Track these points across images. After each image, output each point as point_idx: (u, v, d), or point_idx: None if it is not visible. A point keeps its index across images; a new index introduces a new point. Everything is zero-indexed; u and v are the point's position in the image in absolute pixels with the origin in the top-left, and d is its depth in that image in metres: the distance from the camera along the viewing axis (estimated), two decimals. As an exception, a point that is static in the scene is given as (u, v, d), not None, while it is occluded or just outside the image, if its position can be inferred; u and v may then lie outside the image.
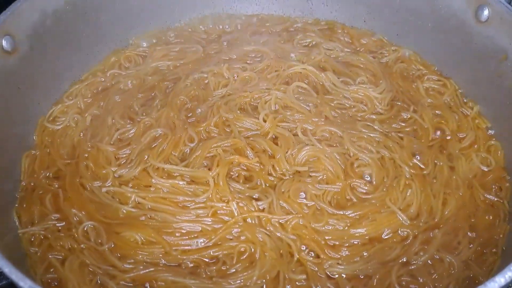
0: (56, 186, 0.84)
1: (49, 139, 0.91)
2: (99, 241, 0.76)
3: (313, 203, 0.79)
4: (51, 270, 0.74)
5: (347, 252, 0.75)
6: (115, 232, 0.77)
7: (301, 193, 0.81)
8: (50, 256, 0.74)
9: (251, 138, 0.88)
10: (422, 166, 0.85)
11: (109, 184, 0.83)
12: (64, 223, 0.79)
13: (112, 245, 0.75)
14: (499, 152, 0.88)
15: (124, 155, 0.87)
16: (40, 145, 0.90)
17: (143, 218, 0.79)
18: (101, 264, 0.73)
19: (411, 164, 0.84)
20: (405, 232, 0.77)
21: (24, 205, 0.81)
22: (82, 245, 0.75)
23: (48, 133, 0.92)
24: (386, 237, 0.77)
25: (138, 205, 0.80)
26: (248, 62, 1.04)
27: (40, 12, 0.89)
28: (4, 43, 0.81)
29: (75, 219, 0.79)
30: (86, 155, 0.87)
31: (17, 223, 0.79)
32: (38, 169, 0.86)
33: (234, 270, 0.73)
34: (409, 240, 0.76)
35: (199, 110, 0.94)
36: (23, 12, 0.85)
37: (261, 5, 1.17)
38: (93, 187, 0.83)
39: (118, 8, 1.04)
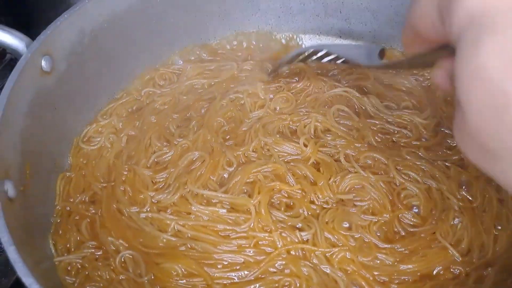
0: (93, 211, 0.81)
1: (84, 161, 0.89)
2: (138, 272, 0.73)
3: (359, 235, 0.76)
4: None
5: (397, 290, 0.71)
6: (155, 263, 0.74)
7: (345, 223, 0.78)
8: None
9: (291, 163, 0.85)
10: (470, 198, 0.81)
11: (147, 209, 0.80)
12: (101, 251, 0.76)
13: (152, 277, 0.73)
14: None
15: (162, 179, 0.85)
16: (75, 167, 0.88)
17: (183, 248, 0.76)
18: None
19: (459, 196, 0.81)
20: (458, 270, 0.73)
21: (60, 232, 0.79)
22: (120, 276, 0.73)
23: (83, 155, 0.90)
24: (437, 274, 0.73)
25: (178, 233, 0.77)
26: (284, 81, 1.01)
27: (79, 31, 0.87)
28: (43, 63, 0.79)
29: (112, 247, 0.76)
30: (123, 179, 0.85)
31: (52, 250, 0.76)
32: (74, 193, 0.84)
33: (278, 306, 0.70)
34: (461, 278, 0.72)
35: (237, 132, 0.92)
36: (62, 32, 0.83)
37: (297, 23, 1.14)
38: (131, 212, 0.80)
39: (153, 25, 1.02)
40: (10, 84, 0.72)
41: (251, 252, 0.75)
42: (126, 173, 0.86)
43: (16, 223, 0.65)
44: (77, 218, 0.81)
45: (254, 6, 1.11)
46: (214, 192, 0.81)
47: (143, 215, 0.80)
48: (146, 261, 0.74)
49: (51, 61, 0.81)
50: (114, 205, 0.82)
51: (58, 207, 0.83)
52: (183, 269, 0.73)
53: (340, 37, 1.13)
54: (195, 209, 0.79)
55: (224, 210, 0.79)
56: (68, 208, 0.82)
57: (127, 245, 0.76)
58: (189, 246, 0.76)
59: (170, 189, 0.82)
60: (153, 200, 0.81)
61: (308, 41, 1.15)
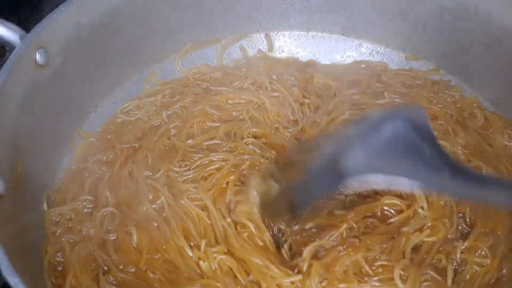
0: (104, 169, 0.83)
1: (114, 128, 0.92)
2: (109, 228, 0.74)
3: None
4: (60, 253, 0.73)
5: None
6: (125, 225, 0.75)
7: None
8: (63, 239, 0.73)
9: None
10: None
11: (158, 175, 0.81)
12: (92, 205, 0.78)
13: (115, 237, 0.73)
14: None
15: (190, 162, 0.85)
16: (102, 132, 0.93)
17: (155, 224, 0.75)
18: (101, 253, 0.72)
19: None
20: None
21: (61, 187, 0.82)
22: (91, 231, 0.74)
23: (115, 123, 0.94)
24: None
25: (160, 209, 0.77)
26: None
27: (75, 24, 0.85)
28: (38, 56, 0.77)
29: (103, 202, 0.77)
30: (150, 146, 0.86)
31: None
32: (93, 153, 0.87)
33: None
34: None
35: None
36: (58, 25, 0.81)
37: (299, 20, 1.12)
38: (140, 175, 0.80)
39: (153, 22, 0.99)
40: (3, 76, 0.70)
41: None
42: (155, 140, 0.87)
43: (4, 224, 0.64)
44: (86, 175, 0.82)
45: (255, 3, 1.08)
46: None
47: (148, 181, 0.80)
48: (120, 221, 0.74)
49: (46, 55, 0.79)
50: (129, 167, 0.82)
51: (73, 167, 0.85)
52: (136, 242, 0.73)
53: (343, 34, 1.11)
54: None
55: None
56: (83, 167, 0.84)
57: (115, 203, 0.77)
58: (157, 225, 0.75)
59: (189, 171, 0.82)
60: (167, 174, 0.81)
61: (311, 39, 1.13)
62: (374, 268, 0.69)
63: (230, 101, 0.96)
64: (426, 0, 1.00)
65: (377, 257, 0.70)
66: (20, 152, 0.74)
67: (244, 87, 1.00)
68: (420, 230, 0.73)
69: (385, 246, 0.71)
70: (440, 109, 0.93)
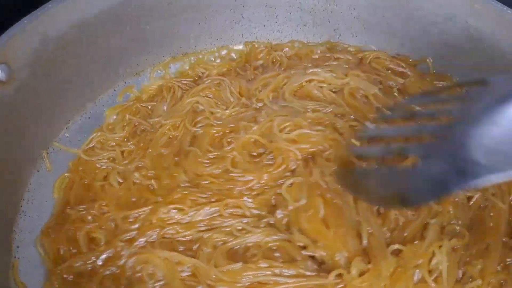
0: None
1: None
2: None
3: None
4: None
5: None
6: None
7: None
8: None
9: None
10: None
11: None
12: None
13: None
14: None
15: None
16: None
17: None
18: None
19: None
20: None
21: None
22: None
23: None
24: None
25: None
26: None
27: (41, 37, 0.80)
28: (-1, 72, 0.73)
29: None
30: None
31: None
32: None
33: None
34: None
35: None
36: (21, 39, 0.76)
37: (283, 33, 1.08)
38: None
39: (128, 33, 0.95)
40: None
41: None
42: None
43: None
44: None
45: (237, 14, 1.04)
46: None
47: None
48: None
49: (8, 70, 0.75)
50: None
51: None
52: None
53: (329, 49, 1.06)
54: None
55: None
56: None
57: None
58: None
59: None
60: None
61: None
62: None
63: None
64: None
65: None
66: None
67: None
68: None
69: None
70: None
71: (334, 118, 0.84)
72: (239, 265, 0.67)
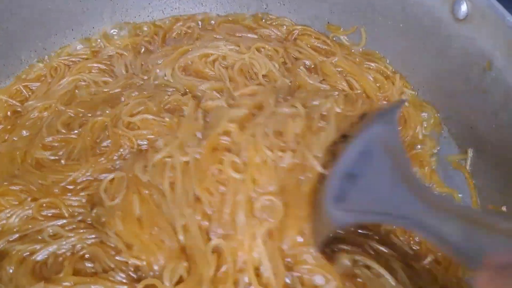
0: None
1: None
2: None
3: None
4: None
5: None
6: None
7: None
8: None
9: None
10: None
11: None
12: None
13: None
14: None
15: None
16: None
17: None
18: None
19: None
20: None
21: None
22: None
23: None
24: None
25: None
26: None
27: None
28: None
29: None
30: None
31: None
32: None
33: None
34: None
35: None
36: None
37: (207, 7, 0.97)
38: None
39: (27, 13, 0.88)
40: None
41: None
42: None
43: None
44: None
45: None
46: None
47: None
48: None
49: None
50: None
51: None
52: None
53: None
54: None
55: None
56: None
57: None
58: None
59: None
60: None
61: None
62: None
63: None
64: None
65: None
66: None
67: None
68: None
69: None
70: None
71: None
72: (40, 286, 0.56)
